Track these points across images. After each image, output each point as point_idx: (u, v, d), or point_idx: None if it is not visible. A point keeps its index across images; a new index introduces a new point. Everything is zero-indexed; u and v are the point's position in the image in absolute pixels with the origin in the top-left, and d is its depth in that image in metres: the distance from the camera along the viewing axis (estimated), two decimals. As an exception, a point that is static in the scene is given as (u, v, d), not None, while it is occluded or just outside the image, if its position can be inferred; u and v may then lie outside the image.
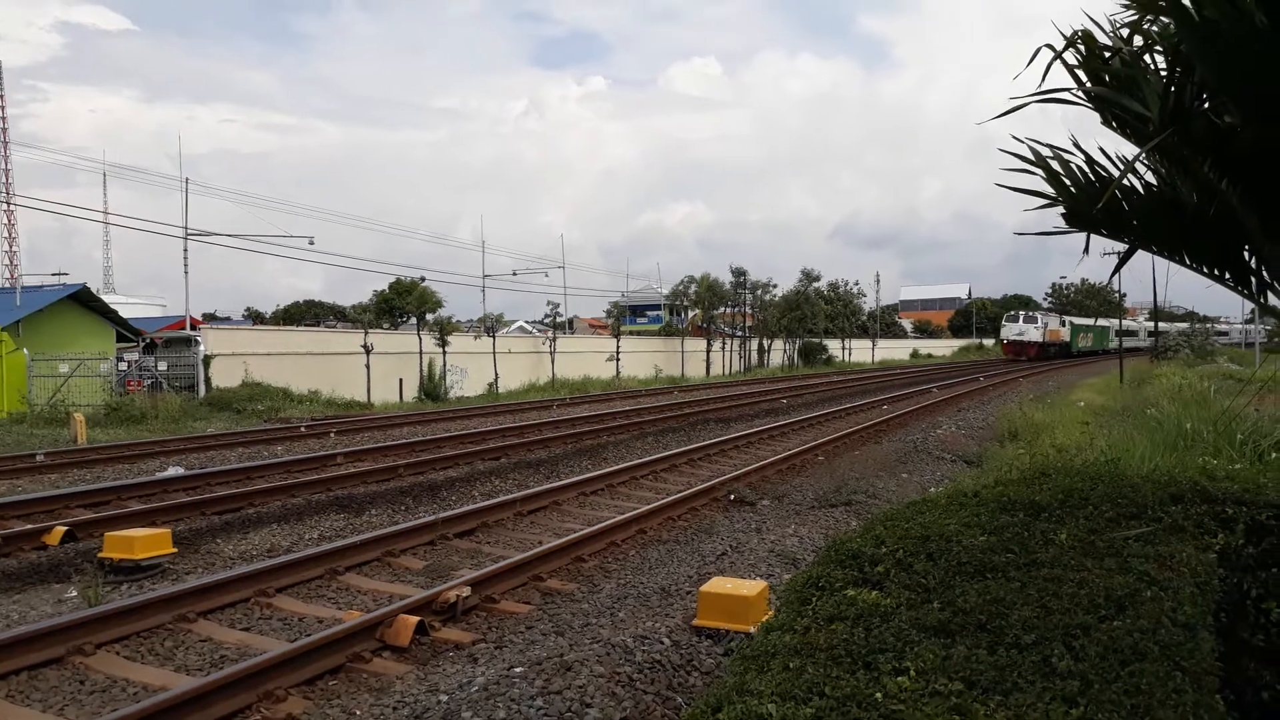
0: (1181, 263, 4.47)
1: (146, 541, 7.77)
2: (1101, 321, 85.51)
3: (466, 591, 7.18)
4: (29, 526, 8.82)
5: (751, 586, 6.53)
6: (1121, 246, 4.61)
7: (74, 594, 7.13)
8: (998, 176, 4.36)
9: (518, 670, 5.55)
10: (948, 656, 2.94)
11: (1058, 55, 3.94)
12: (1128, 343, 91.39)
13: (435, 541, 9.20)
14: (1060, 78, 4.06)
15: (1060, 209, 4.51)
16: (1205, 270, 4.33)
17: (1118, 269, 4.63)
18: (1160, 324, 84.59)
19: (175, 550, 8.04)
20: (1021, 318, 77.69)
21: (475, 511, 10.22)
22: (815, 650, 3.08)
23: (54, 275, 45.78)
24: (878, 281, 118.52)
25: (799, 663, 2.98)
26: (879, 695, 2.70)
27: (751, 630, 6.00)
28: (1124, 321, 72.58)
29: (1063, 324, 78.72)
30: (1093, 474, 5.60)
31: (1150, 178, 4.48)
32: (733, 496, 12.11)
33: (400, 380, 34.27)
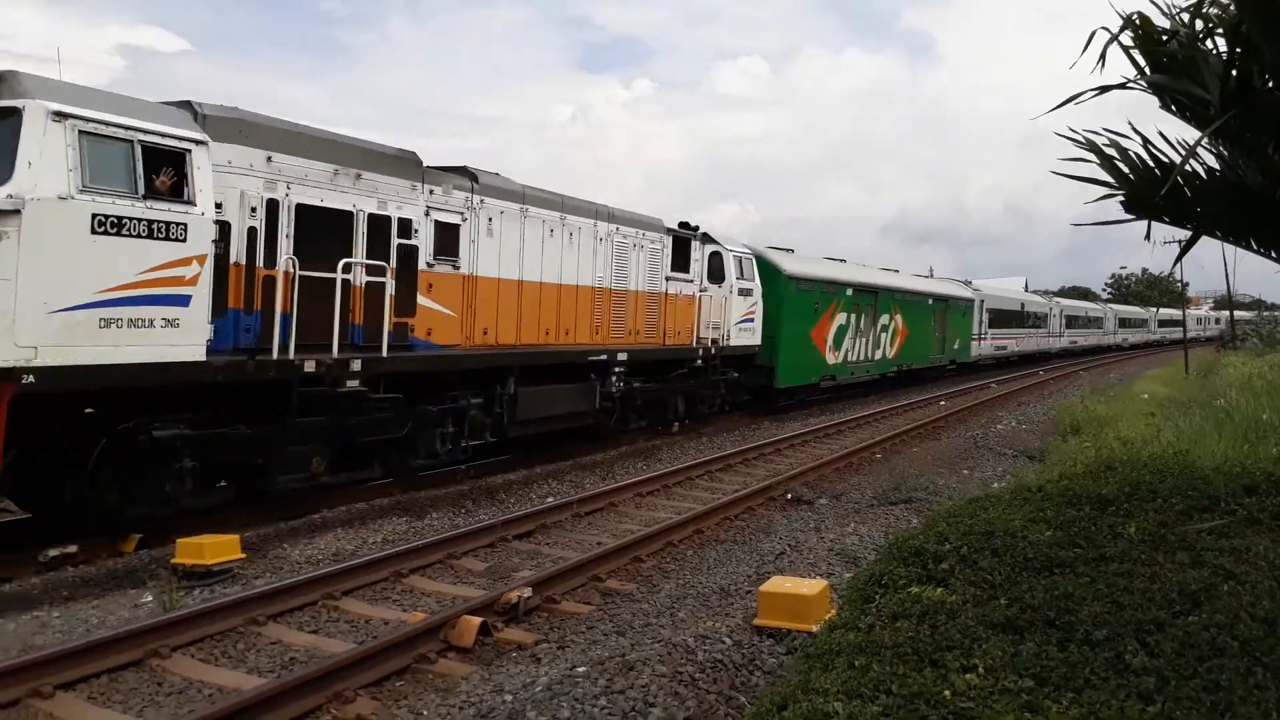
0: (1247, 247, 4.36)
1: (216, 547, 7.96)
2: (953, 290, 35.16)
3: (528, 592, 7.25)
4: (108, 534, 9.09)
5: (812, 585, 6.50)
6: (1183, 233, 4.51)
7: (149, 599, 7.34)
8: (1050, 168, 4.31)
9: (580, 670, 5.59)
10: (1016, 653, 2.91)
11: (1113, 38, 3.87)
12: (1140, 335, 69.37)
13: (495, 543, 9.30)
14: (1115, 63, 3.99)
15: (1119, 197, 4.43)
16: (1274, 255, 4.23)
17: (1181, 256, 4.53)
18: (1225, 312, 73.51)
19: (244, 555, 8.23)
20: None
21: (534, 514, 10.32)
22: (880, 648, 3.08)
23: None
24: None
25: (864, 661, 2.98)
26: (947, 693, 2.69)
27: (813, 629, 5.97)
28: (1164, 310, 58.08)
29: (735, 290, 19.13)
30: (1161, 466, 5.49)
31: (1212, 162, 4.39)
32: (790, 495, 12.04)
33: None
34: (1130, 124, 4.23)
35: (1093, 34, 3.83)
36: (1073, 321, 54.51)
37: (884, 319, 27.27)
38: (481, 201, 12.34)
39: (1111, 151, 4.28)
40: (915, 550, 3.96)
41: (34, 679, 5.48)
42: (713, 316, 18.44)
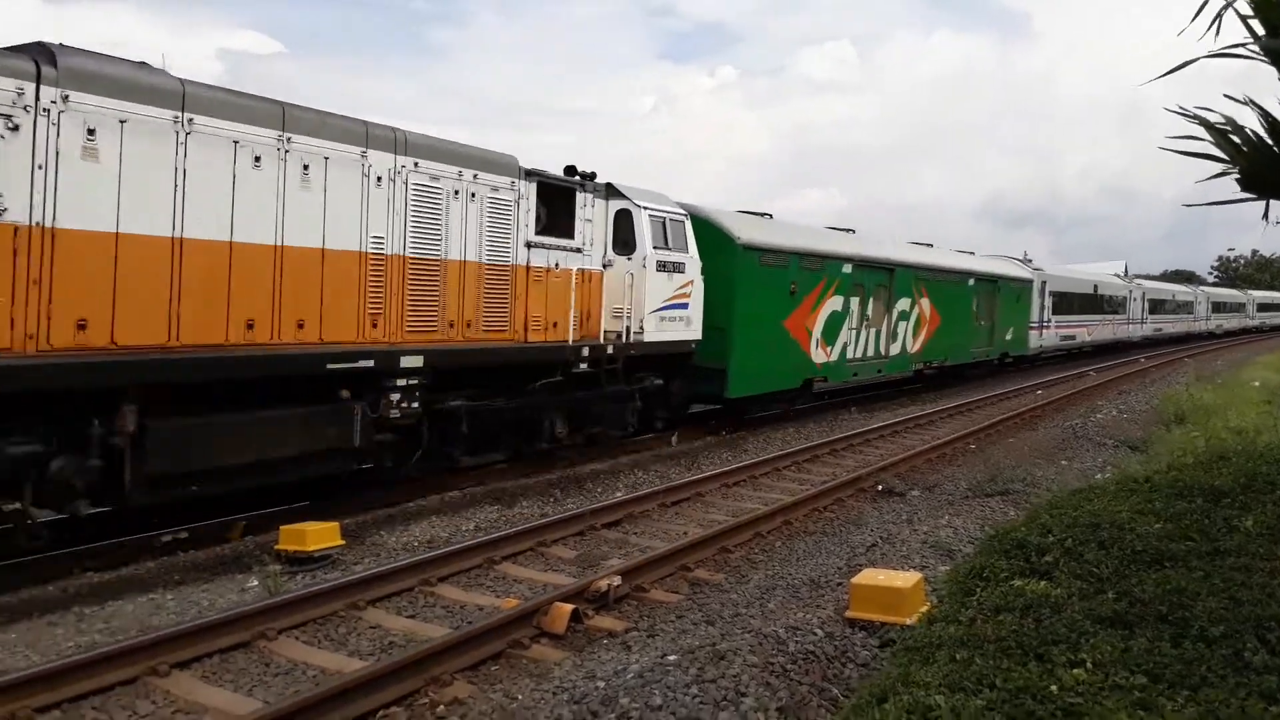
0: (1379, 225, 4.12)
1: (318, 534, 8.23)
2: (1004, 269, 28.96)
3: (617, 580, 7.31)
4: (215, 521, 9.48)
5: (906, 578, 6.38)
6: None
7: (255, 583, 7.63)
8: (1149, 147, 4.15)
9: (671, 658, 5.61)
10: (1127, 649, 2.81)
11: (1228, 4, 3.70)
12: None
13: (584, 532, 9.39)
14: (1226, 36, 3.80)
15: (1234, 175, 4.22)
16: None
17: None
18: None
19: (344, 542, 8.49)
20: None
21: (622, 503, 10.40)
22: (982, 641, 3.00)
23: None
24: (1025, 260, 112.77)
25: (966, 654, 2.91)
26: (1054, 688, 2.61)
27: (907, 622, 5.87)
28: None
29: (652, 264, 13.82)
30: (1279, 457, 5.22)
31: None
32: (881, 487, 11.87)
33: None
34: (1247, 98, 4.03)
35: (1205, 1, 3.66)
36: (1157, 306, 48.36)
37: (903, 304, 21.50)
38: (64, 99, 7.16)
39: (1225, 126, 4.09)
40: (1017, 542, 3.85)
41: (152, 658, 5.75)
42: (616, 301, 13.21)
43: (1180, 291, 55.22)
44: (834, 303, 18.79)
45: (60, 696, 5.31)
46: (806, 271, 17.86)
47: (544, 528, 9.15)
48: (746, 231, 16.43)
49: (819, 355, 18.35)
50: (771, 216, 18.75)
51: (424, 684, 5.65)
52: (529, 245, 11.65)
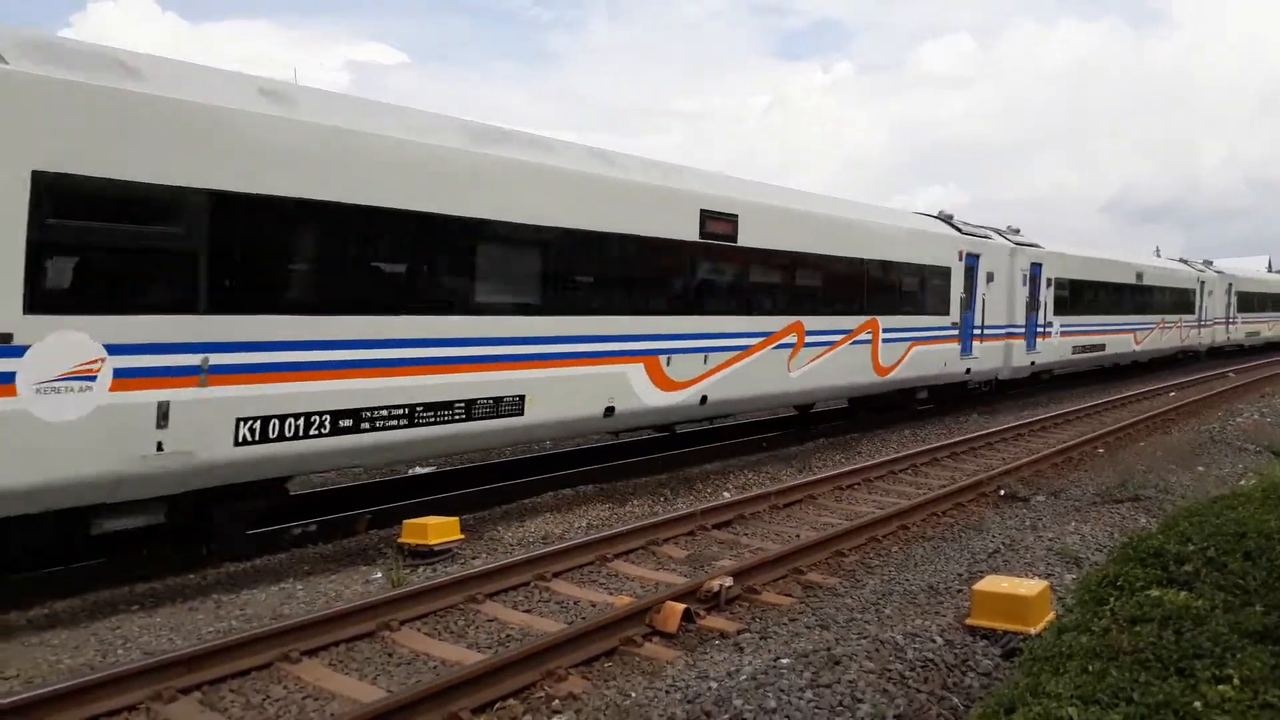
0: None
1: (439, 528, 8.49)
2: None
3: (729, 581, 7.28)
4: (343, 515, 9.87)
5: (1031, 585, 6.17)
6: None
7: (379, 576, 7.90)
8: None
9: (784, 662, 5.56)
10: (1278, 665, 2.64)
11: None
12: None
13: (695, 532, 9.38)
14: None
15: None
16: None
17: None
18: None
19: (463, 536, 8.72)
20: None
21: (732, 504, 10.34)
22: (1118, 653, 2.87)
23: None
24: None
25: (1100, 666, 2.79)
26: (1198, 704, 2.47)
27: (1032, 631, 5.67)
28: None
29: None
30: None
31: None
32: (1003, 492, 11.47)
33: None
34: None
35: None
36: (1087, 298, 23.85)
37: None
38: None
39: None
40: (1154, 551, 3.67)
41: (284, 645, 6.03)
42: None
43: (1165, 270, 30.51)
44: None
45: (201, 678, 5.62)
46: None
47: (654, 526, 9.18)
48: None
49: None
50: None
51: (540, 678, 5.74)
52: None
